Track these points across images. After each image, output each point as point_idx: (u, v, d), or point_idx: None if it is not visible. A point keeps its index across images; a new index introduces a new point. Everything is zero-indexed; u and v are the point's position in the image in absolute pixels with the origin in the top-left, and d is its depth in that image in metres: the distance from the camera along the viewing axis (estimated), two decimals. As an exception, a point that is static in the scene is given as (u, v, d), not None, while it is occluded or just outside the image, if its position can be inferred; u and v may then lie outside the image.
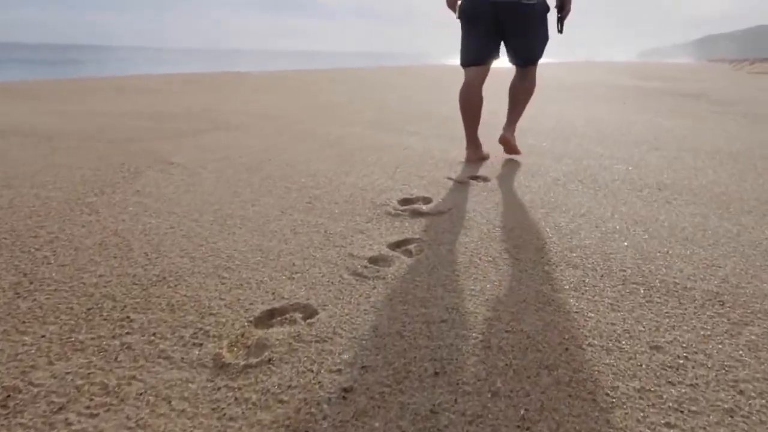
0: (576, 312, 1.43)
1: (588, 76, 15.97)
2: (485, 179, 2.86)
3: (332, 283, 1.55)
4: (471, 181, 2.78)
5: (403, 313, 1.39)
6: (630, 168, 3.21)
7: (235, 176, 2.72)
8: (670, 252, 1.88)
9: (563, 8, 3.14)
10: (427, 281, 1.58)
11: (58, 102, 6.01)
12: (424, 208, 2.25)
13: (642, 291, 1.57)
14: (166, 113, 4.97)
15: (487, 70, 3.11)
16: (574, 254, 1.83)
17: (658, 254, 1.85)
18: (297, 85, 9.82)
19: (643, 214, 2.30)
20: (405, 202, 2.38)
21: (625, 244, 1.94)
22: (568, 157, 3.47)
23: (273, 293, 1.47)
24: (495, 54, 3.08)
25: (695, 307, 1.48)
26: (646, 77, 16.05)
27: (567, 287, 1.57)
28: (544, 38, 3.12)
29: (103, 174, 2.68)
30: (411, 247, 1.85)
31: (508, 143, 3.27)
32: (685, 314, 1.44)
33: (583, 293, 1.54)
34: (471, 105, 3.10)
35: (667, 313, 1.45)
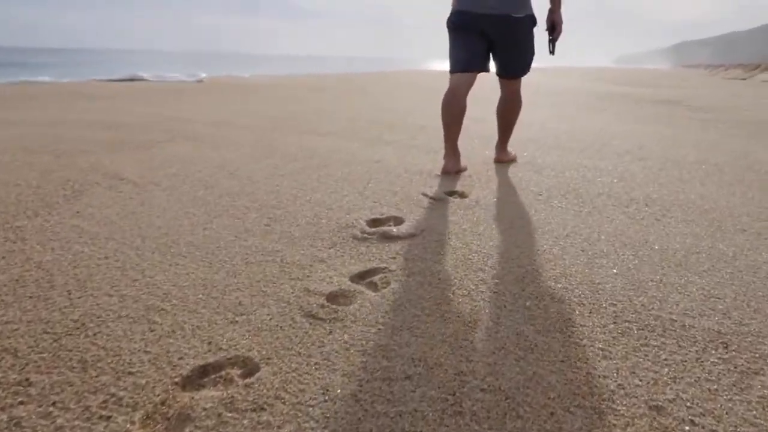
0: (562, 361, 1.23)
1: (566, 82, 15.99)
2: (462, 195, 2.67)
3: (281, 327, 1.33)
4: (447, 197, 2.58)
5: (362, 368, 1.18)
6: (615, 180, 3.05)
7: (189, 193, 2.48)
8: (663, 281, 1.70)
9: (554, 29, 3.06)
10: (391, 323, 1.37)
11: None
12: (395, 230, 2.04)
13: (635, 331, 1.38)
14: (124, 123, 4.70)
15: (474, 78, 3.01)
16: (559, 285, 1.63)
17: (651, 283, 1.67)
18: (267, 92, 9.58)
19: (632, 235, 2.12)
20: (374, 223, 2.17)
21: (615, 271, 1.76)
22: (549, 169, 3.30)
23: (209, 343, 1.25)
24: (484, 64, 3.02)
25: (697, 352, 1.29)
26: (624, 83, 16.13)
27: (552, 328, 1.38)
28: (532, 52, 3.10)
29: (42, 192, 2.42)
30: (377, 278, 1.64)
31: (502, 162, 3.40)
32: (686, 361, 1.25)
33: (569, 335, 1.34)
34: (453, 112, 2.98)
35: (665, 360, 1.26)
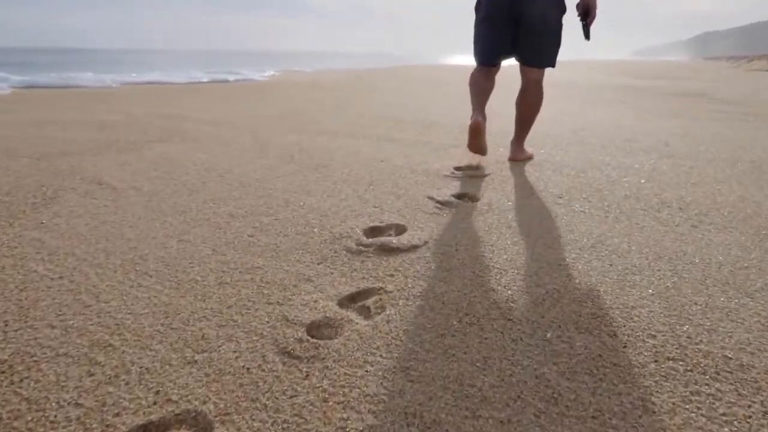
0: (594, 417, 0.98)
1: (584, 76, 15.57)
2: (473, 198, 2.41)
3: (248, 370, 1.09)
4: (456, 201, 2.32)
5: (340, 427, 0.93)
6: (642, 181, 2.77)
7: (171, 199, 2.26)
8: (709, 304, 1.43)
9: (588, 14, 2.88)
10: (382, 363, 1.12)
11: None
12: (395, 241, 1.79)
13: (682, 372, 1.12)
14: (113, 122, 4.50)
15: (497, 68, 3.02)
16: (586, 309, 1.37)
17: (695, 308, 1.40)
18: (270, 89, 9.37)
19: (667, 245, 1.85)
20: (372, 232, 1.92)
21: (651, 291, 1.49)
22: (569, 168, 3.02)
23: (157, 392, 1.01)
24: (508, 54, 2.95)
25: (763, 403, 1.03)
26: (644, 76, 15.67)
27: (579, 369, 1.12)
28: (558, 41, 2.92)
29: (12, 200, 2.21)
30: (370, 302, 1.40)
31: (518, 161, 3.16)
32: (750, 416, 0.99)
33: (601, 380, 1.09)
34: (480, 86, 2.97)
35: (724, 415, 0.99)
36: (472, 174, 2.80)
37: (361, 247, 1.75)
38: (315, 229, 1.93)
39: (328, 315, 1.30)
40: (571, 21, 3.02)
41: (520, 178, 2.77)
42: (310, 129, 4.37)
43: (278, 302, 1.38)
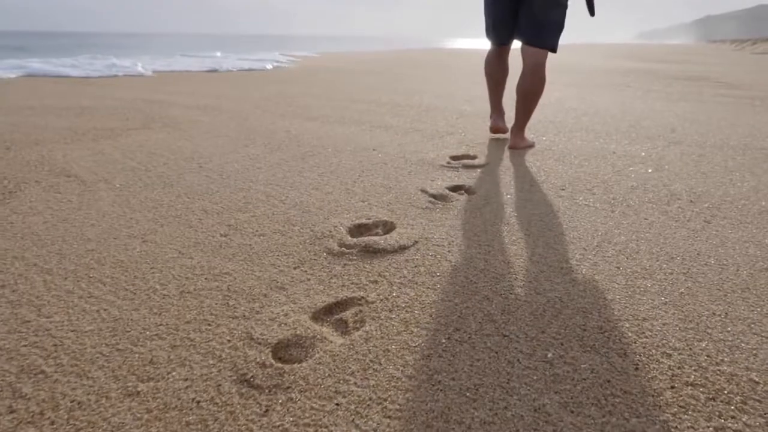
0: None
1: (587, 59, 15.28)
2: (469, 191, 2.24)
3: (198, 403, 0.93)
4: (451, 194, 2.15)
5: (300, 481, 0.77)
6: (649, 170, 2.59)
7: (142, 193, 2.09)
8: (729, 314, 1.27)
9: None
10: (357, 393, 0.96)
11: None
12: (381, 241, 1.63)
13: (703, 401, 0.96)
14: (94, 108, 4.31)
15: (509, 47, 3.07)
16: (592, 322, 1.21)
17: (714, 319, 1.24)
18: (263, 74, 9.15)
19: (678, 244, 1.68)
20: (357, 230, 1.76)
21: (663, 299, 1.33)
22: (572, 156, 2.84)
23: (86, 434, 0.85)
24: (512, 30, 2.96)
25: (802, 443, 0.87)
26: (648, 59, 15.38)
27: (584, 399, 0.96)
28: (561, 22, 2.77)
29: (-31, 193, 2.04)
30: (348, 315, 1.23)
31: (518, 149, 3.01)
32: (789, 462, 0.83)
33: (609, 412, 0.93)
34: (496, 77, 3.10)
35: (759, 460, 0.83)
36: (468, 164, 2.62)
37: (343, 249, 1.59)
38: (295, 227, 1.76)
39: (299, 332, 1.14)
40: (573, 4, 2.84)
41: (520, 168, 2.60)
42: (300, 115, 4.19)
43: (244, 316, 1.22)
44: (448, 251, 1.60)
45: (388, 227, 1.79)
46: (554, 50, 2.80)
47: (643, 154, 2.94)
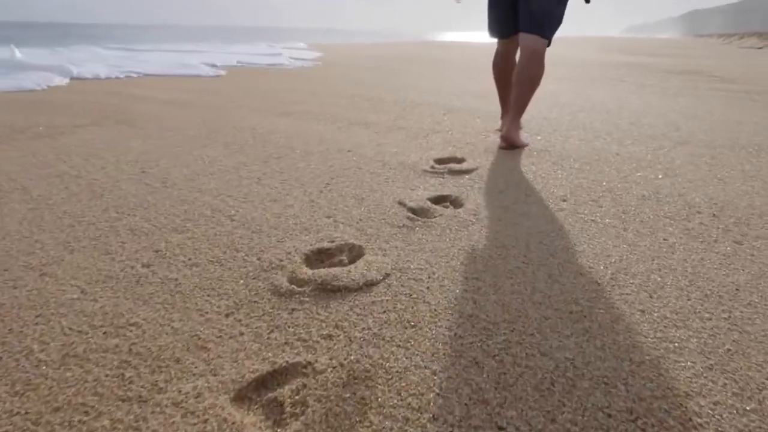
0: None
1: (579, 52, 15.01)
2: (455, 202, 1.90)
3: None
4: (433, 206, 1.81)
5: None
6: (659, 176, 2.28)
7: (63, 206, 1.73)
8: (797, 383, 0.94)
9: None
10: None
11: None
12: (343, 275, 1.29)
13: None
14: (48, 102, 3.91)
15: (515, 43, 2.79)
16: (618, 402, 0.88)
17: (780, 394, 0.91)
18: (244, 70, 8.74)
19: (711, 275, 1.37)
20: (316, 258, 1.42)
21: (708, 362, 1.01)
22: (572, 160, 2.52)
23: None
24: (513, 24, 2.74)
25: None
26: (639, 53, 15.14)
27: None
28: (559, 17, 2.61)
29: None
30: (286, 394, 0.90)
31: (511, 142, 2.72)
32: None
33: None
34: (503, 75, 2.91)
35: None
36: (455, 168, 2.29)
37: (294, 287, 1.24)
38: (239, 254, 1.42)
39: (209, 428, 0.80)
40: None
41: (513, 174, 2.27)
42: (275, 110, 3.83)
43: (139, 397, 0.87)
44: (427, 288, 1.26)
45: (355, 253, 1.45)
46: (549, 42, 2.59)
47: (650, 156, 2.63)
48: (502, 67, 2.92)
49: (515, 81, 2.66)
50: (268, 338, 1.05)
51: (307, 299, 1.20)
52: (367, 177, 2.15)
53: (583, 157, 2.57)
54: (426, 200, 1.87)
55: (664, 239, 1.63)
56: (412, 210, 1.78)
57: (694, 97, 5.10)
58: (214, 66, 7.72)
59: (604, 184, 2.16)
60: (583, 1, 2.70)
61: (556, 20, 2.59)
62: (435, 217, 1.74)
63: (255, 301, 1.19)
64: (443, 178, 2.18)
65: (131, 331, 1.06)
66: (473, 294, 1.25)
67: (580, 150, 2.72)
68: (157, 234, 1.53)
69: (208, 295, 1.21)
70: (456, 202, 1.90)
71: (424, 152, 2.58)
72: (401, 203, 1.84)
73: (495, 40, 2.95)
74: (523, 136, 2.84)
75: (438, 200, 1.91)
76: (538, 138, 2.98)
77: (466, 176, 2.22)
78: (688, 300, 1.26)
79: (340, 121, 3.41)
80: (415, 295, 1.23)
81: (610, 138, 3.04)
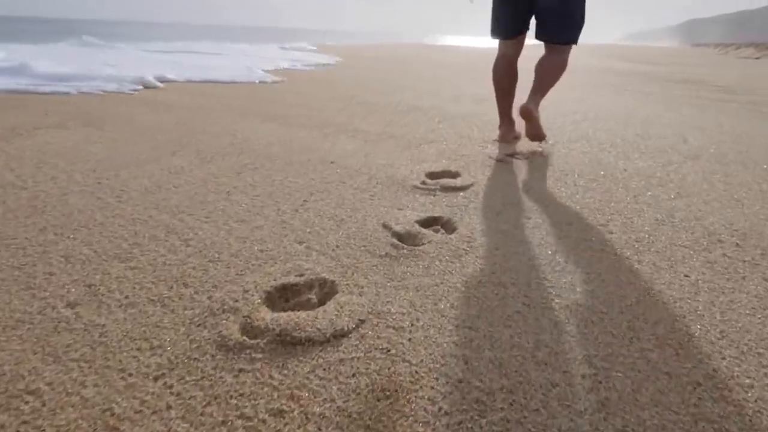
0: None
1: (579, 59, 14.84)
2: (447, 225, 1.69)
3: None
4: (421, 231, 1.59)
5: None
6: (672, 196, 2.07)
7: (-9, 227, 1.49)
8: None
9: None
10: None
11: None
12: (308, 322, 1.06)
13: None
14: (12, 100, 3.67)
15: (521, 42, 2.77)
16: None
17: None
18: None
19: (746, 325, 1.16)
20: (280, 296, 1.19)
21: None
22: (576, 176, 2.31)
23: None
24: (526, 26, 2.70)
25: None
26: (639, 60, 15.01)
27: None
28: (580, 17, 2.56)
29: None
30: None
31: (530, 116, 2.56)
32: None
33: None
34: (504, 81, 2.81)
35: None
36: (449, 185, 2.07)
37: (245, 338, 1.01)
38: (187, 291, 1.19)
39: None
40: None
41: (512, 191, 2.05)
42: (260, 113, 3.60)
43: None
44: (409, 340, 1.04)
45: (327, 290, 1.23)
46: (576, 43, 2.64)
47: (659, 173, 2.42)
48: (504, 75, 2.80)
49: (544, 74, 2.64)
50: (201, 415, 0.82)
51: (259, 356, 0.97)
52: (350, 193, 1.93)
53: (588, 173, 2.35)
54: (414, 223, 1.65)
55: (685, 275, 1.41)
56: (398, 235, 1.55)
57: (698, 107, 4.91)
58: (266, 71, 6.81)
59: (613, 205, 1.95)
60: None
61: (583, 21, 2.61)
62: (423, 244, 1.52)
63: (195, 358, 0.96)
64: (435, 195, 1.96)
65: (28, 402, 0.83)
66: (464, 349, 1.02)
67: (584, 164, 2.51)
68: (96, 262, 1.30)
69: (138, 349, 0.98)
70: (448, 226, 1.68)
71: (416, 165, 2.36)
72: (386, 226, 1.62)
73: (496, 44, 2.80)
74: (525, 147, 2.63)
75: (428, 223, 1.69)
76: (540, 150, 2.77)
77: (461, 194, 2.00)
78: (723, 359, 1.04)
79: (327, 127, 3.18)
80: (393, 351, 1.01)
81: (616, 151, 2.83)
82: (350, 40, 31.29)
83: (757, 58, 22.47)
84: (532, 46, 2.87)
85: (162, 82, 5.01)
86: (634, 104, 4.93)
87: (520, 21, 2.64)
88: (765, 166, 2.63)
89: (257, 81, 5.67)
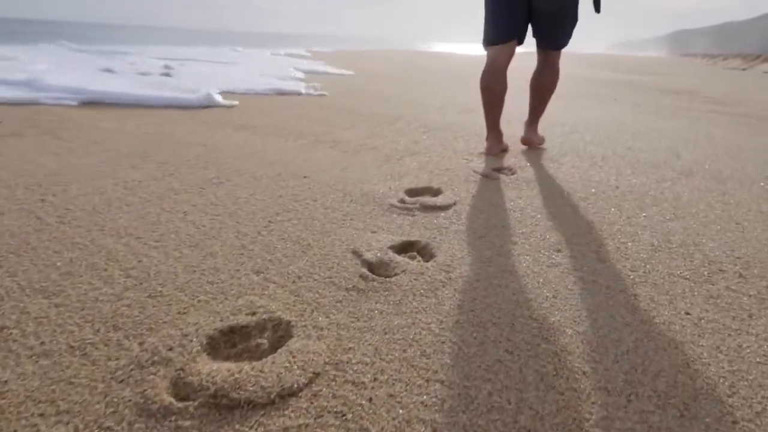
0: None
1: (567, 68, 14.83)
2: (425, 252, 1.53)
3: None
4: (396, 259, 1.43)
5: None
6: (667, 218, 1.93)
7: None
8: None
9: None
10: None
11: None
12: (249, 380, 0.90)
13: None
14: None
15: (513, 49, 2.66)
16: None
17: None
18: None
19: (751, 372, 1.02)
20: (224, 344, 1.03)
21: None
22: (566, 194, 2.17)
23: None
24: (522, 34, 2.66)
25: None
26: (627, 71, 15.03)
27: None
28: (575, 19, 2.70)
29: None
30: None
31: (531, 145, 2.96)
32: None
33: None
34: (494, 91, 2.68)
35: None
36: (429, 203, 1.91)
37: (173, 401, 0.84)
38: (116, 335, 1.02)
39: None
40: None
41: (497, 212, 1.90)
42: (234, 121, 3.43)
43: None
44: (370, 401, 0.88)
45: (280, 334, 1.07)
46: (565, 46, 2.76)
47: (652, 192, 2.28)
48: (493, 83, 2.67)
49: (542, 93, 2.87)
50: None
51: (187, 423, 0.81)
52: (321, 213, 1.77)
53: (577, 191, 2.21)
54: (388, 249, 1.49)
55: (686, 313, 1.27)
56: (368, 264, 1.39)
57: (690, 119, 4.82)
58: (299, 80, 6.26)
59: (605, 227, 1.80)
60: (594, 11, 2.68)
61: (574, 26, 2.73)
62: (396, 274, 1.36)
63: (108, 427, 0.79)
64: (413, 216, 1.80)
65: None
66: (434, 412, 0.86)
67: (574, 181, 2.37)
68: (16, 298, 1.13)
69: (41, 414, 0.81)
70: (425, 252, 1.52)
71: (395, 180, 2.21)
72: (356, 253, 1.46)
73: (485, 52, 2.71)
74: (511, 162, 2.50)
75: (403, 248, 1.53)
76: (527, 165, 2.63)
77: (442, 214, 1.84)
78: (735, 423, 0.89)
79: (304, 138, 3.02)
80: (350, 416, 0.84)
81: (607, 166, 2.70)
82: (343, 46, 31.12)
83: (744, 69, 22.72)
84: (518, 54, 2.74)
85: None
86: (623, 115, 4.83)
87: (516, 27, 2.58)
88: (762, 184, 2.51)
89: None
